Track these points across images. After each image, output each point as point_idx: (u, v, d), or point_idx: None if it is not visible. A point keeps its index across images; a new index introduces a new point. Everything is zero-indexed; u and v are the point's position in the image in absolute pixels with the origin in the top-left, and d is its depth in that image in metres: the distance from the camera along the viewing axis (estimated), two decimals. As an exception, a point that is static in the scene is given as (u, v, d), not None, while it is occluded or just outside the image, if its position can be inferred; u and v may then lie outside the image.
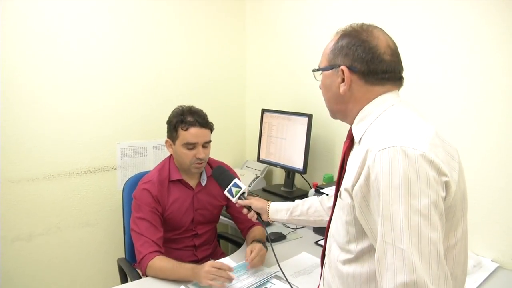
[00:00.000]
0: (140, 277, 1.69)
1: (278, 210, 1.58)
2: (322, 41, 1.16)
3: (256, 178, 2.58)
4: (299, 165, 2.25)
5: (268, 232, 1.92)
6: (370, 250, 0.98)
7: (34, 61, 1.99)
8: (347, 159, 1.12)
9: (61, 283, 2.21)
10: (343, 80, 1.06)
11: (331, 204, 1.51)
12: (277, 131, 2.42)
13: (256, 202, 1.57)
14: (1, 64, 1.90)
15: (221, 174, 1.64)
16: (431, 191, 0.86)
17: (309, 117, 2.20)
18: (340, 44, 1.06)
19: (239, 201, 1.57)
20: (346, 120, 1.13)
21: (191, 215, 1.81)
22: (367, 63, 1.03)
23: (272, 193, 2.41)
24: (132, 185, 1.95)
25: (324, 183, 2.16)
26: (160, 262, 1.59)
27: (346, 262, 1.04)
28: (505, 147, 1.61)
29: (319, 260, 1.72)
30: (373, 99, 1.05)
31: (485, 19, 1.62)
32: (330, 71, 1.09)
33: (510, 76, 1.57)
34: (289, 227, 2.08)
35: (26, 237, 2.08)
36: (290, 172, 2.40)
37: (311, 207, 1.55)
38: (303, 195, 2.34)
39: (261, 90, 2.77)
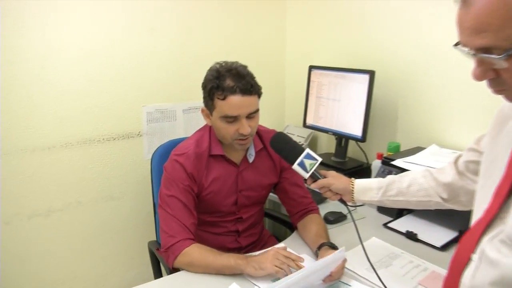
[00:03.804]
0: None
1: (367, 189, 1.27)
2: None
3: (300, 146, 2.25)
4: (357, 132, 1.91)
5: (325, 212, 1.63)
6: None
7: (55, 20, 1.72)
8: None
9: (83, 264, 2.01)
10: None
11: (448, 179, 1.15)
12: (329, 91, 2.06)
13: (337, 182, 1.26)
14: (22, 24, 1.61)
15: (287, 144, 1.29)
16: None
17: (371, 74, 1.83)
18: None
19: (313, 184, 1.25)
20: None
21: (234, 197, 1.50)
22: None
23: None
24: (163, 155, 1.66)
25: (389, 153, 1.81)
26: (199, 249, 1.31)
27: None
28: None
29: (394, 248, 1.42)
30: None
31: None
32: None
33: None
34: (348, 205, 1.76)
35: (44, 213, 1.87)
36: (342, 140, 2.07)
37: (413, 184, 1.21)
38: (359, 166, 2.01)
39: (306, 45, 2.39)
